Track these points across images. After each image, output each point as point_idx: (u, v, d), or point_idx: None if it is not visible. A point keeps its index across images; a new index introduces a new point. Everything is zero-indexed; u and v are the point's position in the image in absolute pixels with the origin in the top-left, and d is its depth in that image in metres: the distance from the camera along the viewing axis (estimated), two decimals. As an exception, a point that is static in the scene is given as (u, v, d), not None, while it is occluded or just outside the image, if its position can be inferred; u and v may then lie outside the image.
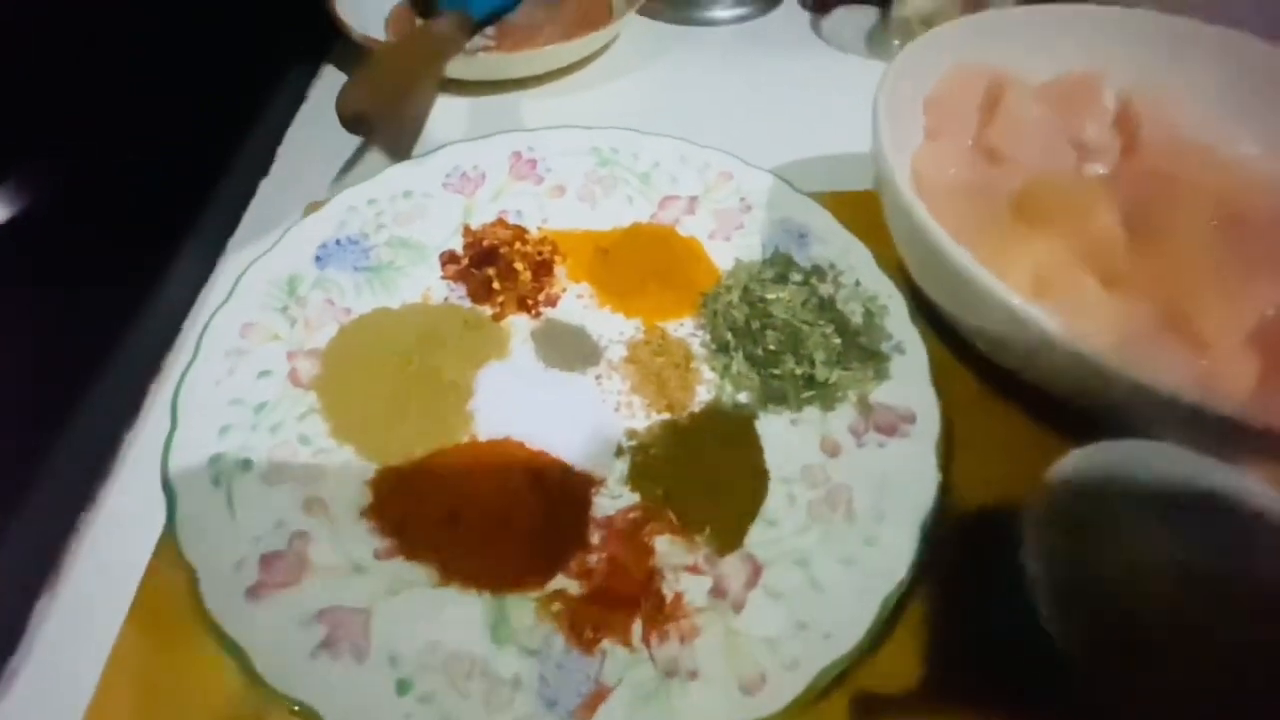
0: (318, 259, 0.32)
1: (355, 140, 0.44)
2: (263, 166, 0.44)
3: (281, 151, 0.45)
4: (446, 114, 0.47)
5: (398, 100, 0.36)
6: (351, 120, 0.33)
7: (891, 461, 0.26)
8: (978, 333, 0.27)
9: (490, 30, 0.53)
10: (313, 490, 0.25)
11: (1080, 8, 0.37)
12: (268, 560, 0.23)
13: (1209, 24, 0.35)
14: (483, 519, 0.24)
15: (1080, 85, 0.35)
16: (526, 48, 0.48)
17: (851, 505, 0.25)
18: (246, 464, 0.25)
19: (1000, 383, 0.29)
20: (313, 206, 0.37)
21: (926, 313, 0.30)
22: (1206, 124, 0.35)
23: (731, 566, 0.24)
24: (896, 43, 0.55)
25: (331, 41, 0.52)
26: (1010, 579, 0.22)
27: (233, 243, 0.39)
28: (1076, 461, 0.23)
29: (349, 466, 0.26)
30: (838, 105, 0.47)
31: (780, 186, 0.35)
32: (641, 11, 0.56)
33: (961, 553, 0.24)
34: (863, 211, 0.35)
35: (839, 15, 0.59)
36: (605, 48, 0.53)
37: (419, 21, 0.54)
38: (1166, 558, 0.21)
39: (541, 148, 0.38)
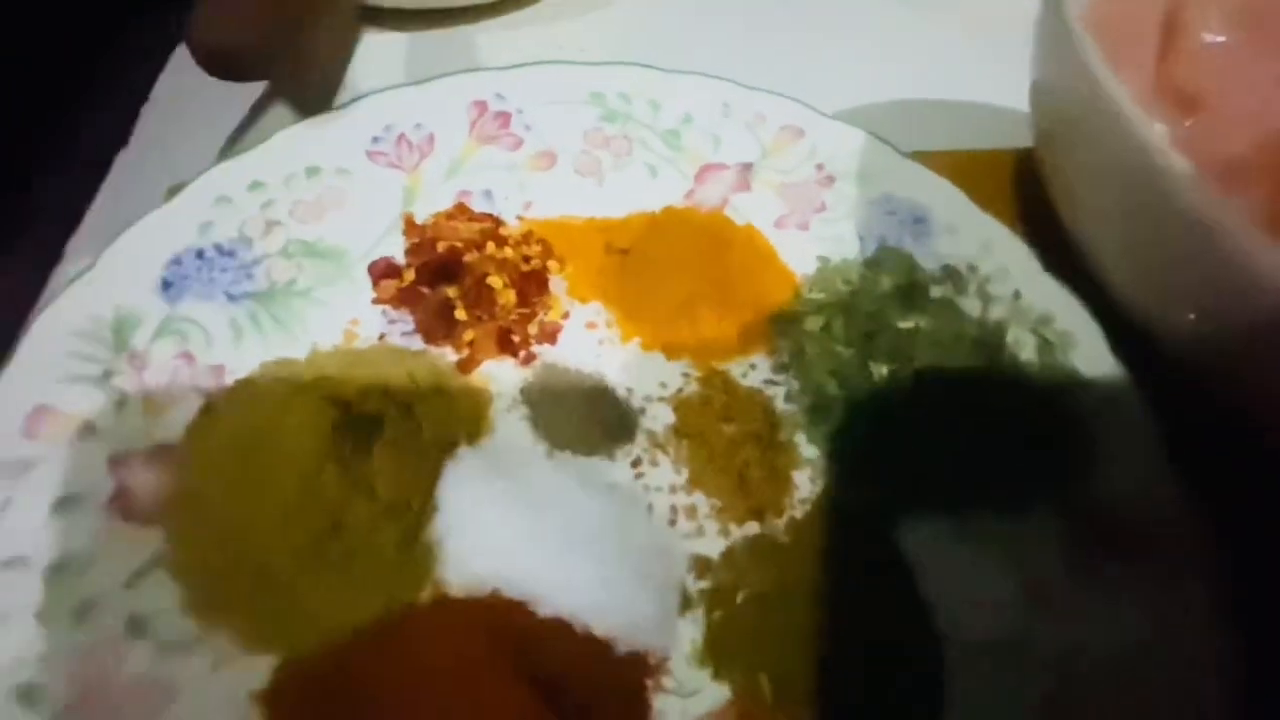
0: (165, 285, 0.20)
1: (251, 93, 0.31)
2: (119, 133, 0.31)
3: (146, 112, 0.32)
4: (374, 57, 0.34)
5: (286, 26, 0.23)
6: (212, 58, 0.21)
7: (1147, 603, 0.16)
8: (1232, 359, 0.18)
9: (432, -60, 0.40)
10: (149, 735, 0.14)
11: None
12: None
13: None
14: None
15: (1287, -5, 0.25)
16: (482, -40, 0.36)
17: (1102, 691, 0.15)
18: (28, 697, 0.14)
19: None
20: (172, 195, 0.25)
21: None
22: None
23: None
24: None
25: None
26: None
27: (71, 248, 0.27)
28: None
29: (219, 672, 0.15)
30: (885, 35, 0.35)
31: (877, 147, 0.24)
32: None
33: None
34: (986, 184, 0.24)
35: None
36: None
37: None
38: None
39: (517, 95, 0.26)
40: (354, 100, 0.25)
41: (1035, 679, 0.15)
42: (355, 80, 0.34)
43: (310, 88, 0.32)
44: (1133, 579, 0.16)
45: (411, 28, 0.35)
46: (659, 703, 0.16)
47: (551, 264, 0.23)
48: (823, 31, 0.36)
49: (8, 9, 0.28)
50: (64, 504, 0.17)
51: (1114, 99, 0.18)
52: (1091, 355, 0.20)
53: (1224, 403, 0.19)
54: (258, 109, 0.32)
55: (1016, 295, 0.21)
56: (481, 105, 0.26)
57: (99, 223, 0.28)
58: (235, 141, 0.31)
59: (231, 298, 0.21)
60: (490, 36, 0.36)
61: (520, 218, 0.24)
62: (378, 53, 0.35)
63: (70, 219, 0.28)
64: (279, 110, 0.31)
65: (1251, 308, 0.17)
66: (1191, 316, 0.18)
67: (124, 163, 0.30)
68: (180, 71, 0.34)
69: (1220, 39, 0.25)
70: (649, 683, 0.16)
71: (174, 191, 0.25)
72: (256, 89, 0.32)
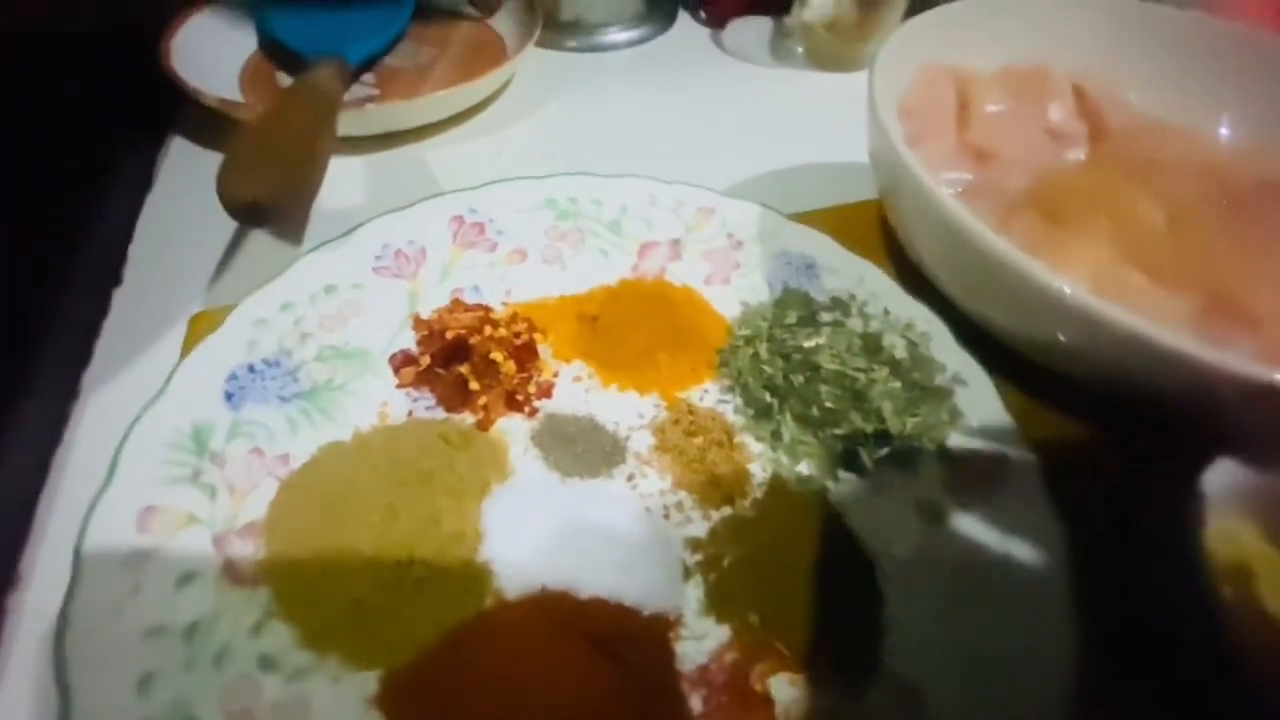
0: (228, 396, 0.24)
1: (227, 225, 0.35)
2: (112, 273, 0.34)
3: (133, 252, 0.36)
4: (335, 182, 0.38)
5: (297, 176, 0.29)
6: (245, 209, 0.26)
7: (1003, 518, 0.22)
8: (1034, 342, 0.25)
9: (369, 78, 0.46)
10: (299, 738, 0.18)
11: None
12: None
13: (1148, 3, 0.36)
14: (549, 717, 0.18)
15: (1035, 74, 0.35)
16: (417, 92, 0.42)
17: (984, 582, 0.21)
18: (190, 726, 0.18)
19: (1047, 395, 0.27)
20: (201, 322, 0.29)
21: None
22: (1151, 102, 0.35)
23: (881, 703, 0.19)
24: (800, 50, 0.54)
25: (176, 109, 0.43)
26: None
27: (89, 379, 0.30)
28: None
29: (341, 686, 0.19)
30: (764, 119, 0.45)
31: (769, 215, 0.32)
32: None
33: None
34: (857, 229, 0.32)
35: (736, 27, 0.57)
36: (504, 85, 0.48)
37: (279, 76, 0.46)
38: None
39: (486, 208, 0.31)
40: (353, 229, 0.30)
41: (940, 585, 0.22)
42: (322, 203, 0.39)
43: (294, 218, 0.36)
44: (992, 500, 0.23)
45: (360, 153, 0.41)
46: (679, 647, 0.21)
47: (537, 336, 0.28)
48: (678, 128, 0.44)
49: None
50: (184, 580, 0.20)
51: (910, 165, 0.25)
52: (944, 346, 0.27)
53: (1042, 365, 0.26)
54: (238, 240, 0.36)
55: (886, 311, 0.28)
56: (459, 219, 0.31)
57: (108, 355, 0.30)
58: (224, 270, 0.35)
59: (283, 399, 0.25)
60: (437, 153, 0.42)
61: (505, 303, 0.30)
62: (339, 177, 0.38)
63: (81, 354, 0.30)
64: (261, 240, 0.35)
65: (1027, 301, 0.23)
66: (1000, 312, 0.26)
67: (120, 300, 0.33)
68: (157, 214, 0.38)
69: (999, 108, 0.34)
70: (670, 633, 0.21)
71: (201, 322, 0.29)
72: (229, 223, 0.36)
